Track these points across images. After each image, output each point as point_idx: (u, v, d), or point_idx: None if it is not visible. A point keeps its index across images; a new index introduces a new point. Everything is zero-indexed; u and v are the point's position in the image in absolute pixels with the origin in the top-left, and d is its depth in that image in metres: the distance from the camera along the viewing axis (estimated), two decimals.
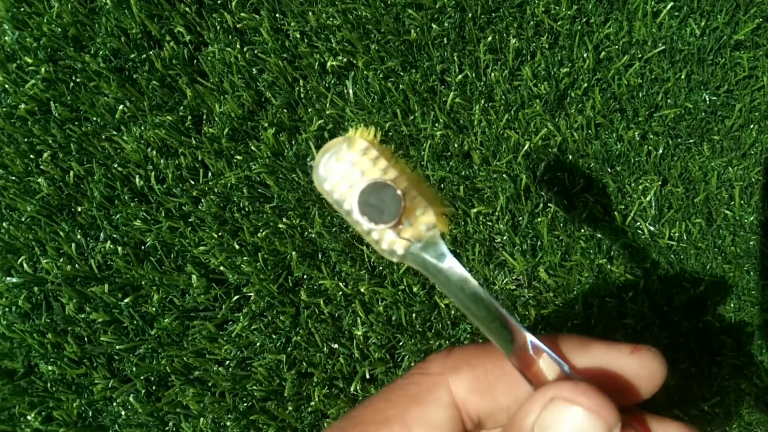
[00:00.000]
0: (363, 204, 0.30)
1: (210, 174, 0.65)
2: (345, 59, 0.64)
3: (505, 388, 0.30)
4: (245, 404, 0.61)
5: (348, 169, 0.30)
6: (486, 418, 0.31)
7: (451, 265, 0.30)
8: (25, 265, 0.64)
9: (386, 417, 0.31)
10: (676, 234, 0.59)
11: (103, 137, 0.67)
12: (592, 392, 0.25)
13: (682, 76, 0.63)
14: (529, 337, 0.29)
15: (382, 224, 0.29)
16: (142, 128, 0.66)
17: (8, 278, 0.64)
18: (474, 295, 0.30)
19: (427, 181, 0.39)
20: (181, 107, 0.66)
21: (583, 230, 0.60)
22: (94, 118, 0.67)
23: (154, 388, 0.62)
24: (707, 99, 0.62)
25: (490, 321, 0.30)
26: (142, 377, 0.61)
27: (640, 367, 0.29)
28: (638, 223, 0.60)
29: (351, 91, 0.64)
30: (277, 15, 0.67)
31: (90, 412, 0.62)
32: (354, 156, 0.30)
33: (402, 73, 0.64)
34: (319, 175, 0.30)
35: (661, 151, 0.61)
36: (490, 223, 0.60)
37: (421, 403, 0.31)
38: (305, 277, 0.62)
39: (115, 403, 0.61)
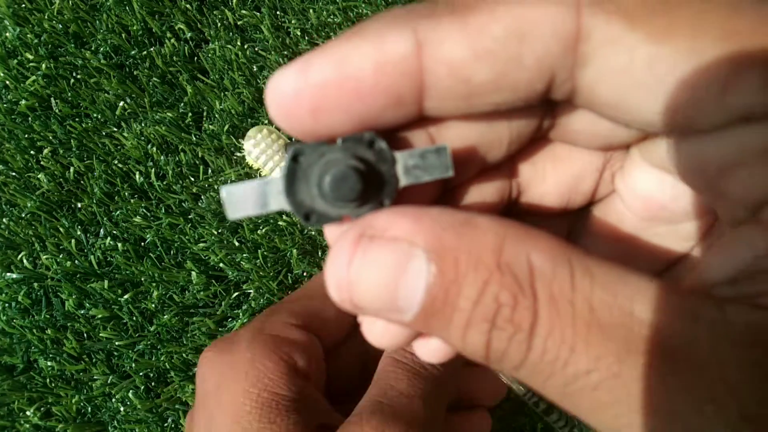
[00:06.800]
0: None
1: (210, 171, 0.65)
2: None
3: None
4: None
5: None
6: None
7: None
8: (25, 260, 0.64)
9: None
10: None
11: (104, 133, 0.67)
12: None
13: None
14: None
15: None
16: (143, 125, 0.66)
17: (8, 274, 0.64)
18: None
19: None
20: (182, 104, 0.66)
21: None
22: (95, 115, 0.67)
23: (153, 384, 0.62)
24: None
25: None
26: (141, 373, 0.62)
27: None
28: None
29: None
30: (278, 12, 0.67)
31: (89, 408, 0.62)
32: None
33: None
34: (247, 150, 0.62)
35: None
36: None
37: None
38: (305, 274, 0.62)
39: (114, 399, 0.62)
